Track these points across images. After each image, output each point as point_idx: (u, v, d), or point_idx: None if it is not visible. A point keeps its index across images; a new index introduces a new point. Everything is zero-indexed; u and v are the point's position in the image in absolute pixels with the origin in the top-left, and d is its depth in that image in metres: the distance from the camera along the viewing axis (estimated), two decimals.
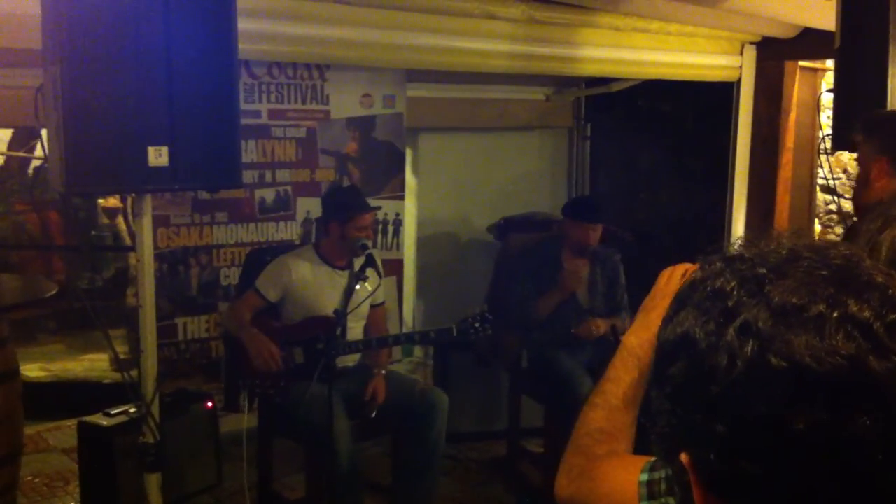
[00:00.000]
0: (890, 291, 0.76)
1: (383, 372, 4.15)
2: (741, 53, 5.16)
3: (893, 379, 0.72)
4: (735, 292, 0.78)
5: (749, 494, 0.76)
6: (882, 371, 0.71)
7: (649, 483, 1.18)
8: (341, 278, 4.10)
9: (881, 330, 0.73)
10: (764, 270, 0.78)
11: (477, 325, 4.04)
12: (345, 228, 4.06)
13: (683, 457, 0.79)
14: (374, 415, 4.05)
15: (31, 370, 5.90)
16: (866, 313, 0.73)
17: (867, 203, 2.68)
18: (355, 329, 4.19)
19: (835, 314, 0.73)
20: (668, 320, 0.83)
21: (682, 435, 0.80)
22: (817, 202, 5.45)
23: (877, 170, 2.67)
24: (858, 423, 0.71)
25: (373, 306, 4.28)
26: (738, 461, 0.75)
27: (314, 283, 4.12)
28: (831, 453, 0.71)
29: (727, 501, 0.78)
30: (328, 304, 4.04)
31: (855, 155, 4.95)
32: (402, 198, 5.36)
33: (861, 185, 2.81)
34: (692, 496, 0.80)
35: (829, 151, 4.61)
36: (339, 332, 3.94)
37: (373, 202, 4.57)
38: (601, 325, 4.54)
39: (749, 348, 0.74)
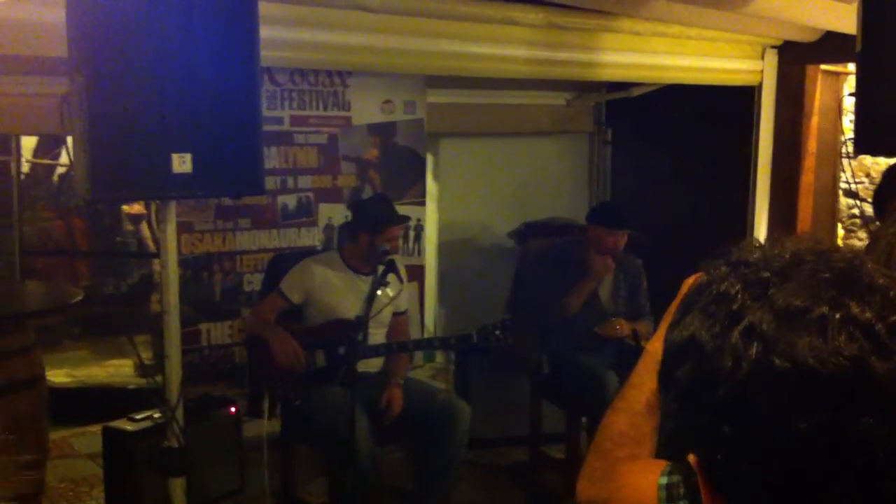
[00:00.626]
0: (891, 293, 0.77)
1: (400, 382, 4.15)
2: (762, 57, 5.14)
3: (895, 379, 0.73)
4: (739, 296, 0.79)
5: (755, 494, 0.77)
6: (884, 371, 0.73)
7: (668, 486, 1.19)
8: (364, 284, 4.12)
9: (883, 331, 0.74)
10: (768, 274, 0.79)
11: (497, 332, 4.05)
12: (375, 238, 4.09)
13: (691, 458, 0.81)
14: (388, 423, 4.06)
15: (57, 376, 5.95)
16: (868, 315, 0.74)
17: None
18: (377, 335, 4.21)
19: (837, 316, 0.74)
20: (674, 324, 0.84)
21: (689, 436, 0.81)
22: (840, 206, 5.42)
23: None
24: (861, 423, 0.72)
25: (395, 314, 4.29)
26: (744, 462, 0.76)
27: (337, 288, 4.15)
28: (835, 453, 0.73)
29: (734, 501, 0.79)
30: (350, 308, 4.06)
31: (876, 160, 4.94)
32: (423, 203, 5.38)
33: None
34: (701, 497, 0.81)
35: (851, 155, 4.59)
36: (360, 337, 3.96)
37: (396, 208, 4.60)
38: (624, 325, 4.54)
39: (754, 350, 0.75)
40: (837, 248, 0.83)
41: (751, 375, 0.75)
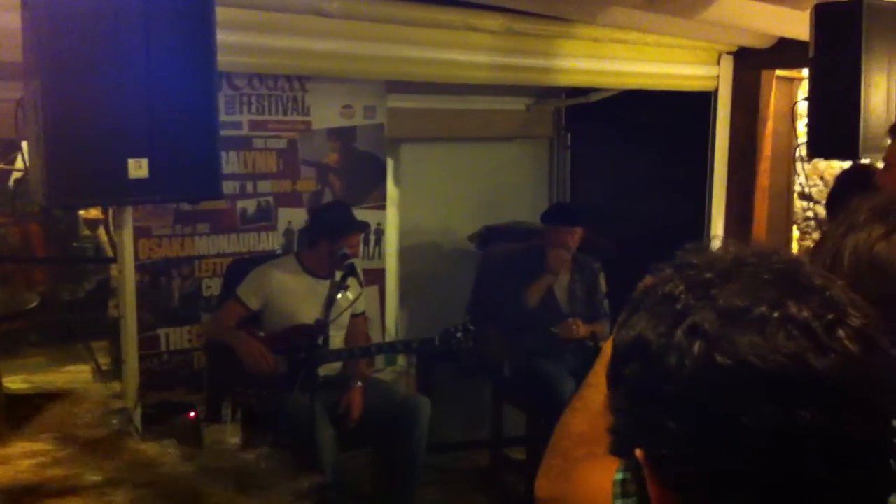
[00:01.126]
0: (828, 293, 0.80)
1: (359, 384, 4.16)
2: (718, 63, 5.21)
3: (833, 375, 0.76)
4: (683, 296, 0.82)
5: (701, 488, 0.79)
6: (822, 367, 0.75)
7: (623, 482, 1.21)
8: (322, 288, 4.11)
9: (820, 329, 0.77)
10: (710, 275, 0.82)
11: (459, 335, 4.08)
12: (334, 246, 4.10)
13: (638, 453, 0.83)
14: (350, 427, 4.07)
15: (14, 382, 5.86)
16: (806, 314, 0.77)
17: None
18: (336, 338, 4.21)
19: (776, 315, 0.77)
20: (622, 324, 0.87)
21: (636, 432, 0.84)
22: (795, 209, 5.50)
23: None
24: (800, 417, 0.75)
25: (353, 316, 4.30)
26: (689, 456, 0.79)
27: (295, 293, 4.14)
28: (776, 446, 0.75)
29: (681, 495, 0.81)
30: (309, 313, 4.06)
31: (829, 163, 5.02)
32: (383, 208, 5.38)
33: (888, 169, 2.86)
34: (647, 491, 0.83)
35: (805, 159, 4.67)
36: (321, 341, 3.96)
37: (354, 212, 4.60)
38: (581, 327, 4.59)
39: (696, 348, 0.78)
40: (778, 251, 0.86)
41: (694, 373, 0.78)
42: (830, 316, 0.78)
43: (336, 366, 4.21)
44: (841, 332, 0.77)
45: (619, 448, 0.87)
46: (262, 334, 4.12)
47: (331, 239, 4.11)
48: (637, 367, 0.83)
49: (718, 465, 0.77)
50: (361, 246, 5.20)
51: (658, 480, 0.82)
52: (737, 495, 0.78)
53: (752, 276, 0.81)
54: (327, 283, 4.09)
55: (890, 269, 1.21)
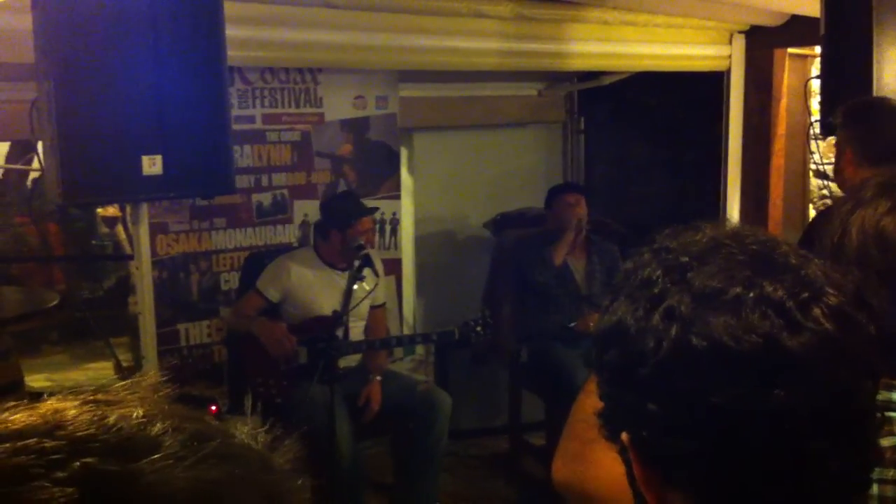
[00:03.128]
0: (802, 272, 0.81)
1: (378, 378, 4.18)
2: (730, 43, 5.18)
3: (806, 354, 0.76)
4: (660, 280, 0.83)
5: (682, 467, 0.81)
6: (795, 347, 0.76)
7: None
8: (341, 279, 4.13)
9: (794, 308, 0.77)
10: (686, 259, 0.83)
11: (479, 328, 4.09)
12: (345, 235, 4.11)
13: (623, 436, 0.84)
14: (369, 420, 4.09)
15: (36, 381, 5.93)
16: (780, 293, 0.78)
17: (842, 189, 2.77)
18: (356, 329, 4.23)
19: (751, 295, 0.78)
20: (604, 310, 0.88)
21: (620, 415, 0.85)
22: (811, 187, 5.48)
23: (845, 160, 2.75)
24: (775, 396, 0.76)
25: (373, 307, 4.31)
26: (669, 436, 0.80)
27: (314, 284, 4.16)
28: (752, 425, 0.77)
29: (664, 474, 0.83)
30: (328, 304, 4.07)
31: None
32: (398, 197, 5.39)
33: (835, 172, 2.89)
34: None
35: (820, 137, 4.64)
36: (341, 332, 3.98)
37: (369, 202, 4.61)
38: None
39: (673, 331, 0.79)
40: (755, 231, 0.86)
41: (671, 355, 0.78)
42: (805, 294, 0.78)
43: (355, 357, 4.23)
44: (816, 311, 0.78)
45: (607, 432, 0.88)
46: (282, 324, 4.15)
47: (341, 228, 4.13)
48: (617, 352, 0.84)
49: (697, 444, 0.79)
50: (377, 236, 5.22)
51: (642, 461, 0.83)
52: (717, 473, 0.79)
53: (728, 257, 0.82)
54: (346, 274, 4.10)
55: (895, 243, 1.22)
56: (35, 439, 0.57)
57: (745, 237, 0.85)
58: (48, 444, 0.57)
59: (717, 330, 0.77)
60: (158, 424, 0.61)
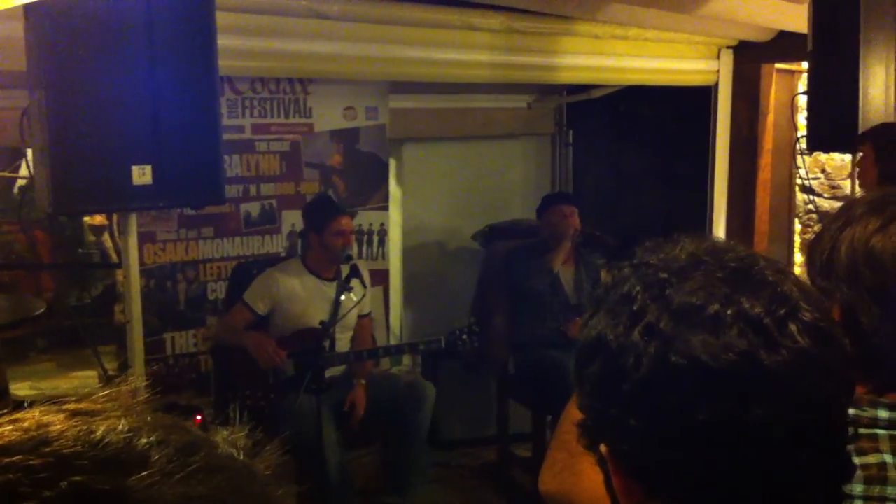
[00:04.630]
0: (780, 289, 0.82)
1: (363, 382, 4.18)
2: (718, 58, 5.22)
3: (783, 370, 0.77)
4: (640, 296, 0.83)
5: (662, 480, 0.82)
6: (772, 364, 0.77)
7: None
8: (329, 289, 4.13)
9: (771, 325, 0.78)
10: (666, 275, 0.83)
11: (465, 337, 4.10)
12: (323, 237, 4.11)
13: (602, 448, 0.85)
14: (355, 426, 4.09)
15: (21, 389, 5.90)
16: (758, 310, 0.79)
17: None
18: (343, 340, 4.23)
19: (729, 312, 0.79)
20: (585, 324, 0.89)
21: (600, 427, 0.86)
22: (797, 202, 5.51)
23: (871, 177, 2.80)
24: (754, 414, 0.77)
25: (360, 316, 4.32)
26: (650, 450, 0.81)
27: (302, 295, 4.16)
28: (730, 442, 0.78)
29: (645, 486, 0.83)
30: (316, 315, 4.07)
31: (830, 155, 5.03)
32: (386, 208, 5.40)
33: (860, 180, 2.94)
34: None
35: (806, 152, 4.67)
36: (328, 343, 3.98)
37: (359, 213, 4.62)
38: None
39: (652, 348, 0.80)
40: (734, 248, 0.87)
41: (651, 372, 0.79)
42: (782, 311, 0.79)
43: (342, 366, 4.24)
44: (792, 327, 0.79)
45: (587, 444, 0.89)
46: (272, 339, 4.14)
47: (317, 230, 4.14)
48: (598, 366, 0.85)
49: (677, 459, 0.80)
50: (365, 247, 5.22)
51: (621, 472, 0.84)
52: (698, 486, 0.80)
53: (706, 273, 0.83)
54: (333, 284, 4.11)
55: (886, 262, 1.23)
56: (21, 456, 0.56)
57: (724, 253, 0.85)
58: (34, 461, 0.56)
59: (695, 347, 0.78)
60: (144, 438, 0.60)
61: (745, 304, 0.79)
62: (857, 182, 2.99)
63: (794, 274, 0.86)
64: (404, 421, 4.12)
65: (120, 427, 0.60)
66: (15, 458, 0.56)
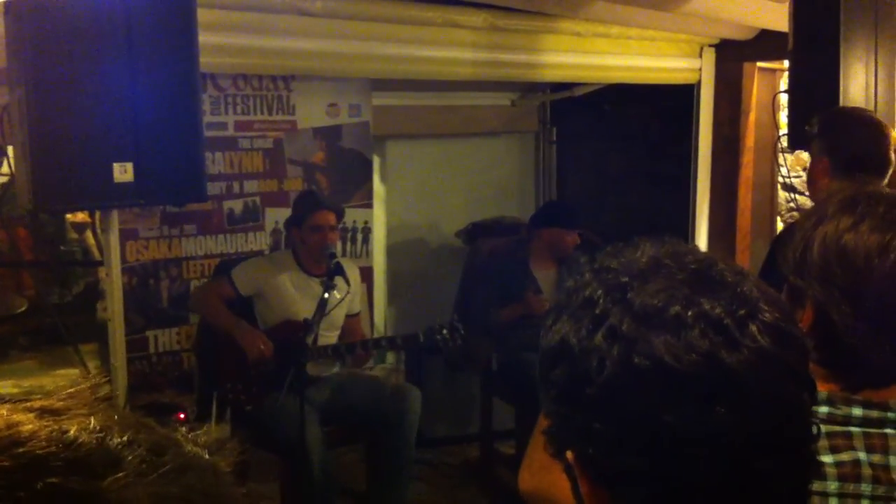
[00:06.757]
0: (739, 289, 0.82)
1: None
2: (700, 56, 5.24)
3: (745, 370, 0.78)
4: (601, 300, 0.84)
5: (629, 484, 0.82)
6: (734, 363, 0.78)
7: None
8: (316, 285, 4.13)
9: (732, 325, 0.79)
10: (627, 279, 0.84)
11: (445, 331, 4.09)
12: (303, 232, 4.12)
13: (568, 454, 0.85)
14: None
15: (3, 387, 5.87)
16: (718, 311, 0.80)
17: (814, 200, 2.78)
18: (328, 338, 4.22)
19: (690, 313, 0.80)
20: (548, 328, 0.89)
21: (566, 433, 0.86)
22: (779, 199, 5.54)
23: (819, 169, 2.76)
24: (717, 413, 0.77)
25: (349, 316, 4.32)
26: (616, 454, 0.81)
27: (289, 288, 4.16)
28: (695, 442, 0.78)
29: (612, 492, 0.83)
30: (302, 310, 4.07)
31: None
32: (370, 206, 5.40)
33: (809, 182, 2.90)
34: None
35: (787, 150, 4.69)
36: (311, 340, 3.97)
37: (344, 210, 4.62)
38: None
39: (615, 350, 0.80)
40: (693, 250, 0.88)
41: (615, 374, 0.80)
42: (742, 312, 0.80)
43: (330, 367, 4.24)
44: (752, 327, 0.80)
45: (554, 450, 0.88)
46: (262, 329, 4.14)
47: (298, 224, 4.16)
48: (562, 371, 0.85)
49: (643, 461, 0.80)
50: (349, 244, 5.22)
51: (589, 478, 0.84)
52: (665, 490, 0.80)
53: (667, 276, 0.83)
54: (321, 281, 4.11)
55: (857, 260, 1.24)
56: None
57: (684, 255, 0.86)
58: (7, 462, 0.56)
59: (658, 349, 0.78)
60: (116, 438, 0.60)
61: (706, 304, 0.80)
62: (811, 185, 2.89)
63: (752, 275, 0.87)
64: (390, 429, 4.11)
65: (91, 426, 0.60)
66: None
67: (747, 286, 0.83)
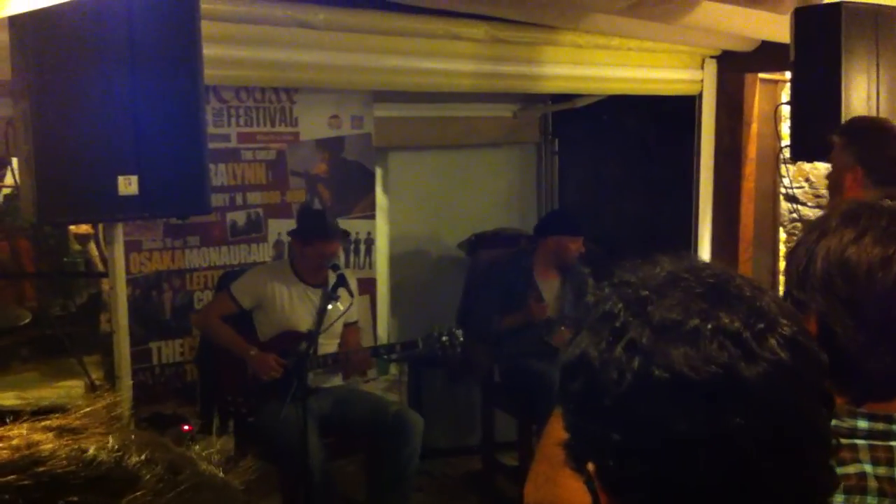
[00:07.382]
0: (757, 303, 0.84)
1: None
2: (702, 67, 5.25)
3: (762, 382, 0.79)
4: (621, 314, 0.85)
5: (647, 494, 0.83)
6: (751, 376, 0.79)
7: None
8: (314, 296, 4.14)
9: (749, 338, 0.80)
10: (646, 293, 0.86)
11: (444, 339, 4.10)
12: (304, 250, 4.14)
13: (589, 466, 0.86)
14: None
15: (6, 398, 5.86)
16: (736, 324, 0.81)
17: None
18: (328, 347, 4.23)
19: (709, 327, 0.81)
20: (569, 342, 0.90)
21: (585, 445, 0.87)
22: (781, 210, 5.54)
23: (850, 179, 2.74)
24: (734, 424, 0.78)
25: (347, 325, 4.33)
26: (634, 465, 0.82)
27: (288, 299, 4.17)
28: (712, 452, 0.79)
29: (623, 498, 0.85)
30: (301, 321, 4.09)
31: (814, 164, 5.06)
32: (372, 217, 5.41)
33: (833, 190, 2.87)
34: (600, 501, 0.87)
35: (789, 161, 4.70)
36: (311, 350, 3.98)
37: (344, 222, 4.63)
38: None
39: (635, 363, 0.82)
40: (710, 265, 0.90)
41: (634, 386, 0.81)
42: (760, 325, 0.81)
43: (328, 378, 4.24)
44: (771, 341, 0.81)
45: (573, 462, 0.90)
46: (253, 341, 4.14)
47: (302, 241, 4.17)
48: (582, 383, 0.86)
49: (661, 472, 0.81)
50: (352, 256, 5.23)
51: (608, 491, 0.85)
52: (682, 501, 0.81)
53: (685, 290, 0.85)
54: (319, 291, 4.12)
55: (859, 272, 1.24)
56: (14, 476, 0.56)
57: (702, 270, 0.88)
58: (27, 481, 0.56)
59: (677, 361, 0.80)
60: (134, 456, 0.60)
61: (724, 318, 0.81)
62: (836, 194, 2.85)
63: (770, 290, 0.88)
64: (392, 451, 4.11)
65: (109, 445, 0.60)
66: (9, 479, 0.56)
67: (765, 301, 0.84)
